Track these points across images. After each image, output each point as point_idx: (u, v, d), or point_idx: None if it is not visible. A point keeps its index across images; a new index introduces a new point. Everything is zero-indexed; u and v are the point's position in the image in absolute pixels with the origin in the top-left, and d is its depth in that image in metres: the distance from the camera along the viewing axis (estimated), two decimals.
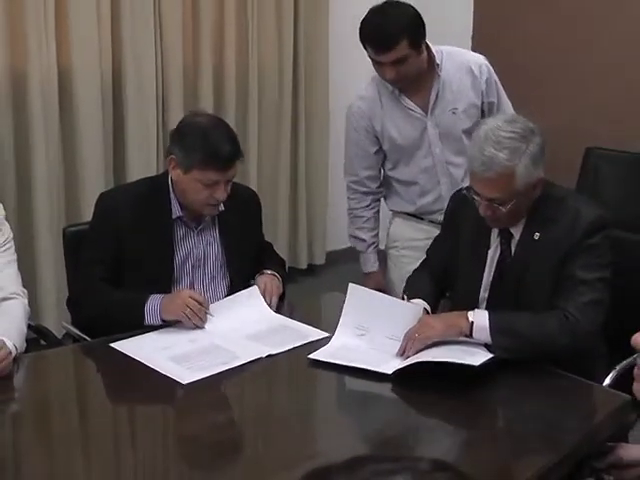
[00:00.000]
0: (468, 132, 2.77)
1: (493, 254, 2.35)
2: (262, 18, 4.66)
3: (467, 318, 2.17)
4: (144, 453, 1.92)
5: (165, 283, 2.50)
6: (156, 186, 2.56)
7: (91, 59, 3.96)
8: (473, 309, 2.24)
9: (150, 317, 2.37)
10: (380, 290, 3.08)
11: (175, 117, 3.87)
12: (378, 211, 3.17)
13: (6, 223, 2.42)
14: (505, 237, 2.32)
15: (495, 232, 2.34)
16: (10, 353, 2.09)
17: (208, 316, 2.40)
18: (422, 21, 2.75)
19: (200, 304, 2.37)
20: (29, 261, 3.81)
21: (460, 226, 2.44)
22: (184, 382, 2.07)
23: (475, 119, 2.85)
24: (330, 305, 2.84)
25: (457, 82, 2.88)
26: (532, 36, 4.46)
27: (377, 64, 2.77)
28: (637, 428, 2.35)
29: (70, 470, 1.79)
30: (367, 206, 3.12)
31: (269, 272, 2.65)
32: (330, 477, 0.80)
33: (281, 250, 4.97)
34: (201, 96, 4.46)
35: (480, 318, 2.17)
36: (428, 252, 2.63)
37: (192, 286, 2.56)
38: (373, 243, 3.15)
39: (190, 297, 2.37)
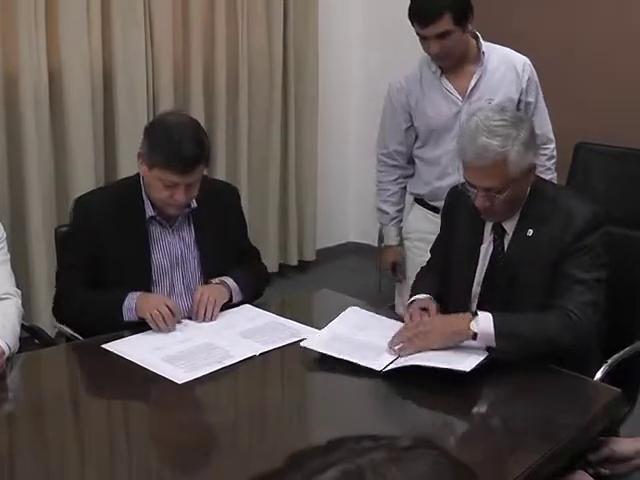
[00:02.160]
0: None
1: (486, 250, 2.35)
2: (252, 16, 4.65)
3: (470, 327, 2.13)
4: (139, 452, 1.93)
5: (145, 283, 2.49)
6: (129, 187, 2.54)
7: (81, 59, 3.94)
8: (466, 304, 2.24)
9: (127, 313, 2.38)
10: (396, 263, 3.25)
11: None
12: (405, 187, 3.24)
13: None
14: (498, 233, 2.32)
15: (488, 228, 2.34)
16: (3, 353, 2.09)
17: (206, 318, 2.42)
18: (468, 0, 2.82)
19: (171, 312, 2.35)
20: (22, 261, 3.80)
21: (455, 222, 2.44)
22: (179, 382, 2.07)
23: None
24: (322, 302, 2.85)
25: (499, 74, 2.94)
26: (521, 32, 4.46)
27: (423, 39, 2.84)
28: (628, 422, 2.38)
29: (64, 469, 1.80)
30: (394, 180, 3.20)
31: (215, 281, 2.54)
32: (307, 459, 0.80)
33: (272, 247, 5.00)
34: (192, 96, 4.45)
35: (484, 326, 2.12)
36: (431, 251, 2.64)
37: (172, 286, 2.55)
38: (396, 217, 3.25)
39: (164, 303, 2.37)
